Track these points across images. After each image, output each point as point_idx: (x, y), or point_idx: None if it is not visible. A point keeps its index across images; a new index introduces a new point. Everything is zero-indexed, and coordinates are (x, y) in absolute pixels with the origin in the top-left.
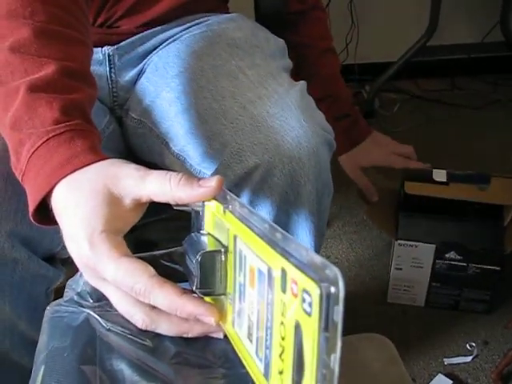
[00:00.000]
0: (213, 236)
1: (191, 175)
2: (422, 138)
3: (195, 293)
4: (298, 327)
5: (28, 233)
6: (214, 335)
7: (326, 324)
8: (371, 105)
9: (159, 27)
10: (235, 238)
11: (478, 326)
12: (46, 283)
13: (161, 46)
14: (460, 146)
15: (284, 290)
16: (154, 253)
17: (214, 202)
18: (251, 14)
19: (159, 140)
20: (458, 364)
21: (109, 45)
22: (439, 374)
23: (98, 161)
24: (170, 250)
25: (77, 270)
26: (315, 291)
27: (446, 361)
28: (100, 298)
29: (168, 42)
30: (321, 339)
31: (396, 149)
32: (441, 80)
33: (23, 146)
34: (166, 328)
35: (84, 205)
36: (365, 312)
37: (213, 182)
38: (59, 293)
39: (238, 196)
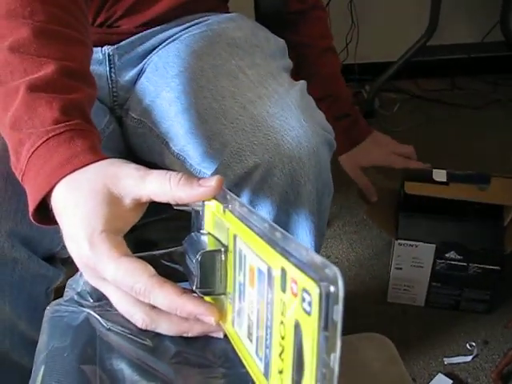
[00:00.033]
0: (213, 235)
1: (191, 175)
2: (421, 138)
3: (195, 292)
4: (297, 326)
5: (28, 232)
6: (214, 335)
7: (326, 323)
8: (371, 105)
9: (159, 27)
10: (235, 237)
11: (478, 325)
12: (45, 283)
13: (160, 46)
14: (460, 145)
15: (284, 290)
16: (154, 252)
17: (213, 202)
18: (251, 14)
19: (159, 140)
20: (458, 364)
21: (109, 44)
22: (439, 374)
23: (98, 161)
24: (170, 249)
25: (77, 269)
26: (315, 290)
27: (446, 360)
28: (100, 298)
29: (168, 41)
30: (320, 338)
31: (396, 149)
32: (441, 80)
33: (23, 145)
34: (166, 327)
35: (84, 205)
36: (365, 312)
37: (213, 182)
38: (59, 292)
39: (238, 196)
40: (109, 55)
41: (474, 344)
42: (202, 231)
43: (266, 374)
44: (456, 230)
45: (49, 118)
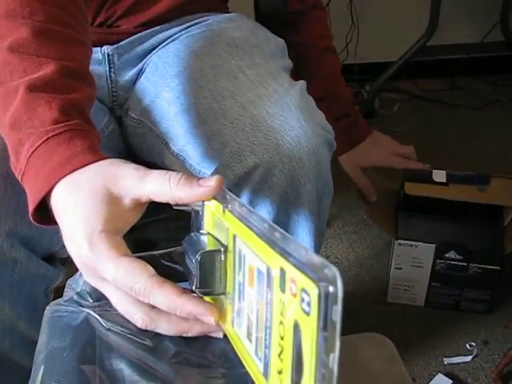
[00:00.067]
0: (212, 235)
1: (191, 175)
2: (421, 138)
3: (195, 292)
4: (296, 327)
5: (27, 232)
6: (214, 335)
7: (325, 323)
8: (371, 105)
9: (158, 27)
10: (234, 237)
11: (477, 325)
12: (45, 283)
13: (160, 46)
14: (460, 146)
15: (283, 290)
16: (154, 252)
17: (213, 202)
18: (251, 14)
19: (159, 140)
20: (458, 364)
21: (108, 44)
22: (439, 374)
23: (98, 161)
24: (169, 249)
25: (76, 269)
26: (314, 291)
27: (446, 360)
28: (100, 298)
29: (167, 41)
30: (319, 339)
31: (396, 149)
32: (441, 80)
33: (23, 145)
34: (165, 327)
35: (83, 205)
36: (365, 312)
37: (212, 182)
38: (59, 292)
39: (237, 196)
40: (108, 55)
41: (473, 344)
42: (201, 231)
43: (266, 374)
44: (456, 230)
45: (48, 118)
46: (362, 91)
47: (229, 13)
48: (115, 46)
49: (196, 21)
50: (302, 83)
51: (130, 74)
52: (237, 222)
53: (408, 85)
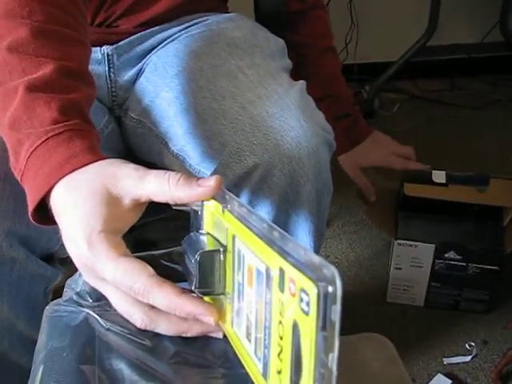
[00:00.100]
0: (212, 235)
1: (190, 175)
2: (421, 139)
3: (194, 292)
4: (295, 326)
5: (26, 232)
6: (213, 335)
7: (324, 323)
8: (371, 105)
9: (158, 27)
10: (234, 237)
11: (477, 325)
12: (44, 283)
13: (160, 46)
14: (460, 146)
15: (282, 290)
16: (153, 252)
17: (212, 202)
18: (251, 14)
19: (158, 140)
20: (458, 364)
21: (107, 44)
22: (438, 374)
23: (97, 161)
24: (169, 249)
25: (76, 269)
26: (313, 290)
27: (446, 360)
28: (99, 298)
29: (167, 41)
30: (318, 338)
31: (396, 149)
32: (440, 80)
33: (22, 145)
34: (165, 328)
35: (83, 205)
36: (364, 312)
37: (212, 182)
38: (58, 293)
39: (237, 196)
40: (108, 55)
41: (473, 344)
42: (200, 231)
43: (265, 375)
44: (455, 230)
45: (48, 118)
46: (361, 91)
47: (228, 13)
48: (114, 45)
49: (195, 21)
50: (301, 83)
51: (130, 73)
52: (236, 222)
53: (408, 85)
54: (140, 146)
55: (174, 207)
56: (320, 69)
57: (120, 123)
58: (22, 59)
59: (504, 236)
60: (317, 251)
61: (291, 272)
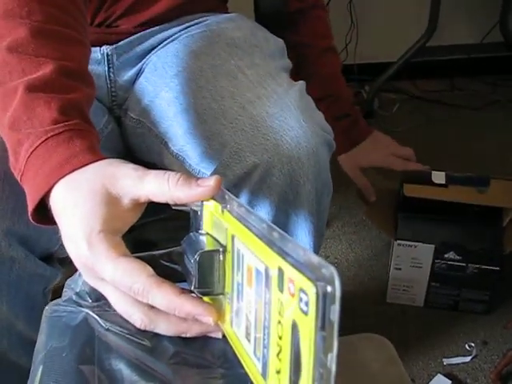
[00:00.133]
0: (211, 236)
1: (190, 175)
2: (421, 139)
3: (193, 292)
4: (294, 326)
5: (25, 232)
6: (213, 335)
7: (323, 323)
8: (371, 105)
9: (158, 27)
10: (233, 237)
11: (477, 326)
12: (43, 282)
13: (159, 46)
14: (459, 146)
15: (281, 290)
16: (153, 253)
17: (212, 202)
18: (251, 14)
19: (158, 140)
20: (457, 364)
21: (107, 44)
22: (438, 374)
23: (97, 161)
24: (168, 249)
25: (75, 269)
26: (311, 290)
27: (445, 361)
28: (99, 298)
29: (167, 41)
30: (317, 338)
31: (396, 150)
32: (440, 80)
33: (22, 145)
34: (164, 328)
35: (82, 205)
36: (364, 312)
37: (211, 182)
38: (57, 293)
39: (237, 196)
40: (107, 55)
41: (473, 344)
42: (200, 231)
43: (264, 375)
44: (455, 231)
45: (47, 118)
46: (361, 91)
47: (228, 13)
48: (114, 45)
49: (195, 21)
50: (301, 83)
51: (129, 73)
52: (235, 222)
53: (408, 85)
54: (140, 146)
55: (173, 207)
56: (320, 69)
57: (120, 123)
58: (21, 59)
59: (503, 236)
60: (316, 251)
61: (290, 272)
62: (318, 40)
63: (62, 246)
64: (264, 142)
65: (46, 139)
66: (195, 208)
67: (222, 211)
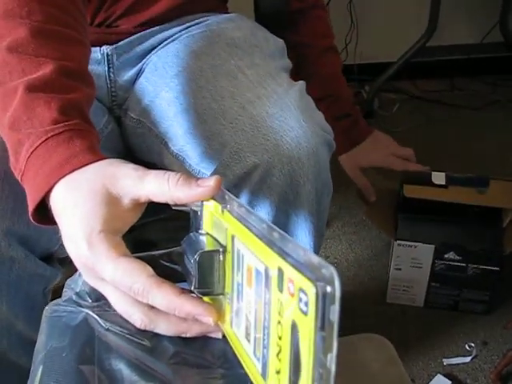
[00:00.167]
0: (211, 236)
1: (190, 175)
2: (421, 139)
3: (193, 293)
4: (294, 327)
5: (25, 232)
6: (213, 335)
7: (323, 323)
8: (371, 105)
9: (158, 27)
10: (233, 237)
11: (477, 326)
12: (43, 282)
13: (160, 46)
14: (459, 146)
15: (281, 290)
16: (153, 253)
17: (212, 202)
18: (251, 14)
19: (158, 140)
20: (457, 364)
21: (107, 44)
22: (438, 375)
23: (97, 161)
24: (168, 249)
25: (75, 269)
26: (311, 290)
27: (445, 361)
28: (99, 298)
29: (167, 41)
30: (317, 338)
31: (396, 151)
32: (440, 80)
33: (22, 145)
34: (164, 328)
35: (82, 205)
36: (364, 312)
37: (211, 182)
38: (57, 293)
39: (237, 196)
40: (107, 55)
41: (473, 345)
42: (200, 231)
43: (264, 375)
44: (455, 231)
45: (47, 118)
46: (361, 91)
47: (228, 13)
48: (114, 45)
49: (196, 21)
50: (301, 83)
51: (130, 73)
52: (235, 222)
53: (407, 85)
54: (140, 146)
55: (173, 207)
56: (320, 69)
57: (120, 123)
58: (21, 59)
59: (503, 237)
60: (316, 251)
61: (290, 272)
62: (318, 40)
63: (62, 246)
64: (264, 142)
65: (46, 139)
66: (195, 208)
67: (222, 211)
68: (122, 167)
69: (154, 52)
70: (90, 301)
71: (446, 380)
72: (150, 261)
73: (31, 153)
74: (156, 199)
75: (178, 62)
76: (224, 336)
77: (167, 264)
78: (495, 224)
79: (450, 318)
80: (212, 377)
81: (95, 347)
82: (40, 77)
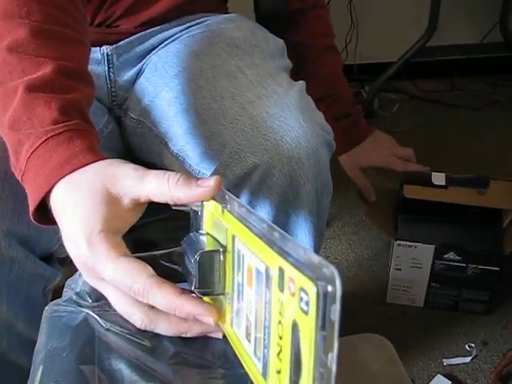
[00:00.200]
0: (211, 236)
1: (190, 175)
2: (421, 139)
3: (194, 293)
4: (295, 326)
5: (25, 232)
6: (213, 335)
7: (323, 323)
8: (371, 105)
9: (158, 27)
10: (233, 237)
11: (477, 326)
12: (43, 283)
13: (160, 46)
14: (459, 146)
15: (282, 289)
16: (153, 253)
17: (212, 202)
18: (251, 14)
19: (158, 140)
20: (457, 364)
21: (107, 44)
22: (438, 375)
23: (97, 161)
24: (168, 250)
25: (75, 269)
26: (312, 290)
27: (445, 361)
28: (99, 298)
29: (167, 41)
30: (318, 338)
31: (396, 151)
32: (440, 80)
33: (22, 146)
34: (164, 328)
35: (83, 205)
36: (364, 312)
37: (211, 182)
38: (58, 293)
39: (237, 196)
40: (107, 55)
41: (473, 345)
42: (200, 231)
43: (265, 375)
44: (455, 231)
45: (47, 118)
46: (361, 91)
47: (228, 13)
48: (114, 46)
49: (196, 21)
50: (301, 83)
51: (130, 74)
52: (236, 222)
53: (407, 85)
54: (140, 146)
55: (173, 207)
56: (320, 69)
57: (120, 123)
58: (21, 59)
59: (503, 237)
60: (317, 251)
61: (291, 271)
62: (318, 40)
63: (62, 246)
64: (264, 143)
65: (46, 139)
66: (195, 208)
67: (223, 211)
68: (121, 167)
69: (154, 52)
70: (90, 301)
71: (446, 380)
72: (150, 261)
73: (31, 153)
74: (156, 199)
75: (178, 62)
76: (224, 336)
77: (167, 264)
78: (495, 224)
79: (450, 318)
80: (212, 377)
81: (95, 347)
82: (40, 77)
